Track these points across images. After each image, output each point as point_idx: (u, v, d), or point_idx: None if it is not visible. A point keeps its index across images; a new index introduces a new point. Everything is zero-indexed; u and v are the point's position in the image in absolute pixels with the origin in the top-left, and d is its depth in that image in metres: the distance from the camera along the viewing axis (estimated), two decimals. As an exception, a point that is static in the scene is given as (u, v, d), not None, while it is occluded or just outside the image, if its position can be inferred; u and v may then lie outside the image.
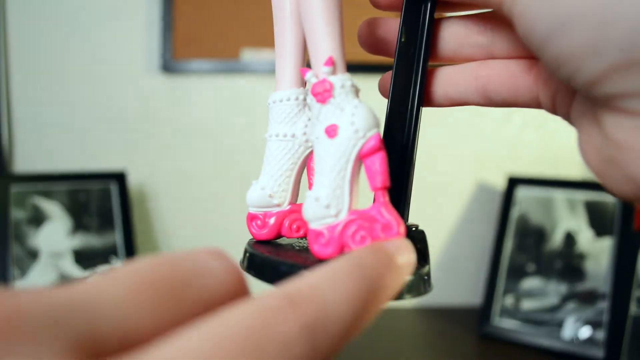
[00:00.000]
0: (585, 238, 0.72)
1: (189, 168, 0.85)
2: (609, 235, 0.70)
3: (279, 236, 0.24)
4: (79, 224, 0.75)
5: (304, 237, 0.24)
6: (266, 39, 0.81)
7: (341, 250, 0.20)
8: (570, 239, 0.73)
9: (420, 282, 0.20)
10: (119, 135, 0.85)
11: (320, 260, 0.20)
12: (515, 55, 0.23)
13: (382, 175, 0.20)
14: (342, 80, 0.20)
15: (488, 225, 0.84)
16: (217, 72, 0.83)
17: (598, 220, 0.72)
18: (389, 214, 0.20)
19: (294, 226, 0.24)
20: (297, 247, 0.23)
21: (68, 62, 0.84)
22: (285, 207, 0.24)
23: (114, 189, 0.78)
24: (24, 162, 0.85)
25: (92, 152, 0.85)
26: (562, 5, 0.16)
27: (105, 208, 0.77)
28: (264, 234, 0.24)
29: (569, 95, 0.21)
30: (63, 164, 0.84)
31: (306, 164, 0.24)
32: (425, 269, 0.21)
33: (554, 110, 0.22)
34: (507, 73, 0.23)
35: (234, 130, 0.85)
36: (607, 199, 0.71)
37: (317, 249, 0.20)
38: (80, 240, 0.74)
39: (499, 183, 0.84)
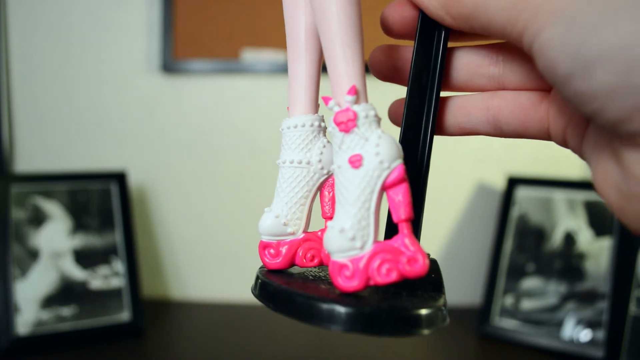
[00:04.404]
0: (585, 238, 0.72)
1: (189, 168, 0.85)
2: (608, 235, 0.70)
3: (292, 265, 0.23)
4: (79, 224, 0.75)
5: (318, 266, 0.23)
6: (266, 39, 0.81)
7: (366, 282, 0.19)
8: (570, 238, 0.73)
9: (438, 314, 0.19)
10: (119, 135, 0.85)
11: (344, 293, 0.20)
12: (527, 87, 0.23)
13: (406, 206, 0.20)
14: (365, 109, 0.20)
15: (488, 225, 0.84)
16: (217, 72, 0.83)
17: (598, 220, 0.72)
18: (413, 247, 0.19)
19: (308, 255, 0.23)
20: (311, 277, 0.23)
21: (68, 62, 0.84)
22: (299, 235, 0.23)
23: (114, 189, 0.78)
24: (24, 162, 0.85)
25: (92, 152, 0.85)
26: (588, 45, 0.16)
27: (106, 208, 0.77)
28: (277, 263, 0.23)
29: (581, 128, 0.21)
30: (63, 164, 0.84)
31: (320, 191, 0.24)
32: (441, 300, 0.20)
33: (564, 144, 0.22)
34: (518, 105, 0.23)
35: (234, 131, 0.85)
36: (606, 199, 0.71)
37: (341, 282, 0.20)
38: (81, 240, 0.74)
39: (499, 183, 0.84)
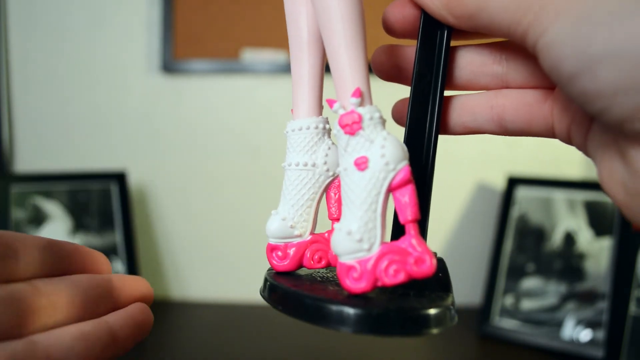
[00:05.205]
0: (585, 238, 0.72)
1: (189, 168, 0.85)
2: (608, 235, 0.70)
3: (300, 267, 0.23)
4: (79, 224, 0.75)
5: (326, 267, 0.24)
6: (266, 39, 0.81)
7: (374, 284, 0.19)
8: (569, 238, 0.73)
9: (446, 314, 0.20)
10: (119, 135, 0.85)
11: (352, 295, 0.20)
12: (531, 85, 0.23)
13: (413, 207, 0.20)
14: (370, 112, 0.20)
15: (488, 225, 0.84)
16: (217, 72, 0.83)
17: (598, 220, 0.72)
18: (420, 247, 0.19)
19: (316, 257, 0.23)
20: (319, 279, 0.23)
21: (68, 62, 0.84)
22: (306, 237, 0.23)
23: (114, 189, 0.78)
24: (24, 162, 0.85)
25: (92, 152, 0.85)
26: (595, 43, 0.16)
27: (106, 208, 0.77)
28: (285, 265, 0.23)
29: (585, 126, 0.21)
30: (63, 164, 0.84)
31: (326, 193, 0.24)
32: (449, 299, 0.20)
33: (569, 141, 0.22)
34: (522, 102, 0.23)
35: (234, 131, 0.85)
36: (606, 199, 0.71)
37: (349, 283, 0.20)
38: (81, 240, 0.74)
39: (499, 183, 0.84)
